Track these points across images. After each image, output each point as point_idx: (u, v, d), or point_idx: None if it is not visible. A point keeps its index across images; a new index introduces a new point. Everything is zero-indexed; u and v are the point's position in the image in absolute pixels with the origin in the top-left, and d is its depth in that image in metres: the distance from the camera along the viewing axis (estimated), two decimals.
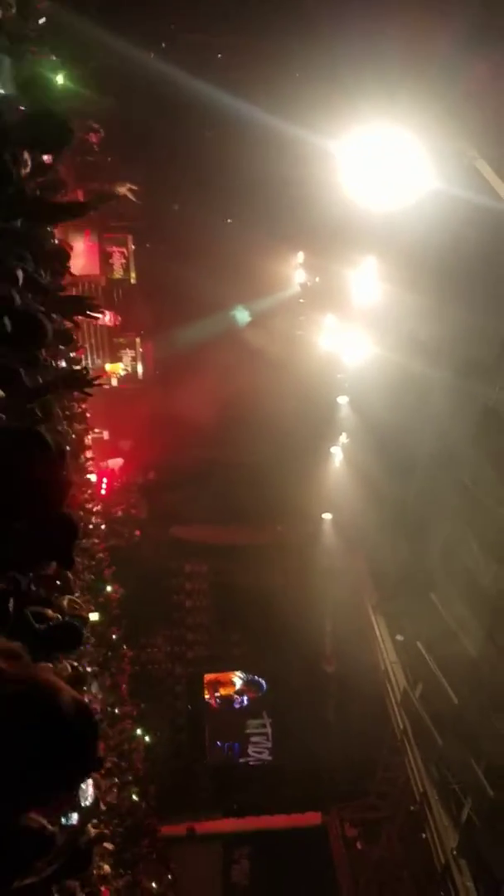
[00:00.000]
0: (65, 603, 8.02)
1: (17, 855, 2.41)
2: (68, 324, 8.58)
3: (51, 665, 5.79)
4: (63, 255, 7.73)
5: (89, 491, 20.11)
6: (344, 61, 14.39)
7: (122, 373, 25.81)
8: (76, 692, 1.87)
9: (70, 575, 7.95)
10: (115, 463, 26.58)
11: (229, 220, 23.05)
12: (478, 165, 14.95)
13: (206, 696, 29.36)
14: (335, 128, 15.23)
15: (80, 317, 8.26)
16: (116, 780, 16.76)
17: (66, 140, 5.35)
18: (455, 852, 17.80)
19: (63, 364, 9.45)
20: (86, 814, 7.05)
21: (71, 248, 9.09)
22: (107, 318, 23.69)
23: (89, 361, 23.80)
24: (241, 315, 24.87)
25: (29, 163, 4.50)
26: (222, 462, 24.78)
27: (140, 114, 21.19)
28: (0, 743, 1.70)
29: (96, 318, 13.74)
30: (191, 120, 20.58)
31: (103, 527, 22.06)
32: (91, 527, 19.08)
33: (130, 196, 22.81)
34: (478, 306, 15.79)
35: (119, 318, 24.18)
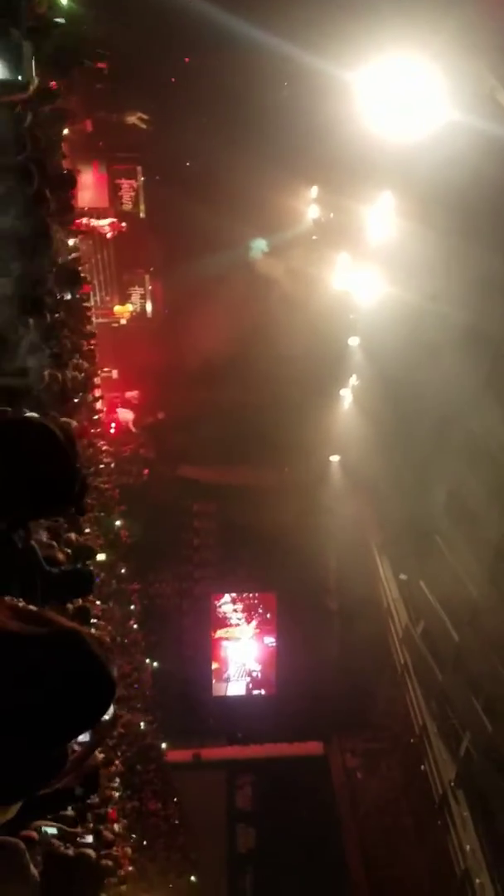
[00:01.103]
0: (73, 538, 8.15)
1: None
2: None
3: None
4: (70, 180, 7.60)
5: (98, 429, 20.20)
6: None
7: (131, 311, 25.57)
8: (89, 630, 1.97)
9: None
10: (125, 413, 26.56)
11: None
12: (498, 96, 14.44)
13: (213, 630, 29.98)
14: (351, 56, 14.67)
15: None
16: (125, 707, 17.26)
17: (76, 62, 5.19)
18: (453, 784, 18.39)
19: (68, 297, 9.36)
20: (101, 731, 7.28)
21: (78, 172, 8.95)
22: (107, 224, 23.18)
23: (98, 298, 23.56)
24: (258, 246, 24.30)
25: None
26: (230, 402, 24.69)
27: (150, 42, 20.48)
28: (40, 683, 1.79)
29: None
30: (203, 49, 19.89)
31: (113, 465, 22.21)
32: (101, 466, 19.23)
33: (141, 125, 22.21)
34: (495, 246, 15.45)
35: (124, 225, 23.63)
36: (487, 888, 16.28)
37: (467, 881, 16.87)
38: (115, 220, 23.48)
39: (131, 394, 26.22)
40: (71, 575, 5.44)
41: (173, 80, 21.82)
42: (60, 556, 5.77)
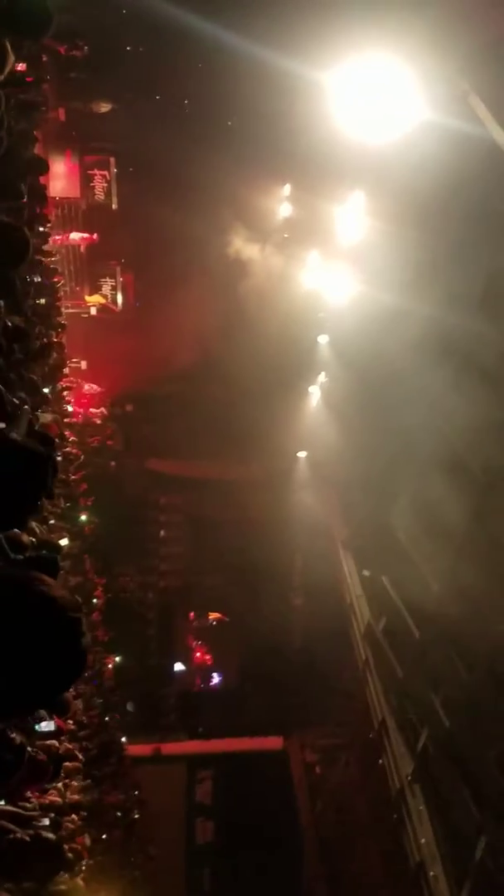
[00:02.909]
0: (37, 530, 8.13)
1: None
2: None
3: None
4: (41, 165, 7.55)
5: (65, 420, 20.05)
6: None
7: (102, 301, 25.43)
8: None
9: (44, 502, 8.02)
10: (93, 393, 26.37)
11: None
12: (470, 101, 14.63)
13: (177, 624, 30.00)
14: (324, 57, 14.75)
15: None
16: (85, 699, 17.19)
17: (45, 26, 4.99)
18: (409, 778, 18.61)
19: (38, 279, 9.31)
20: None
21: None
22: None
23: (68, 288, 23.40)
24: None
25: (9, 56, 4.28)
26: (199, 396, 24.72)
27: (127, 36, 20.41)
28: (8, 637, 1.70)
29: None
30: (178, 46, 19.84)
31: (82, 458, 22.07)
32: (69, 457, 19.10)
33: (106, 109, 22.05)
34: (465, 242, 15.66)
35: (96, 236, 23.57)
36: (441, 880, 16.54)
37: (421, 873, 17.12)
38: (86, 234, 23.43)
39: (90, 387, 25.94)
40: (35, 561, 5.44)
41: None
42: (25, 539, 5.76)
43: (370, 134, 15.14)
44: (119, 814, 20.00)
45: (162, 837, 25.05)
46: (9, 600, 1.73)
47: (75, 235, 23.03)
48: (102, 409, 26.83)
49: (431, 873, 16.89)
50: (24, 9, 4.54)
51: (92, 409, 26.41)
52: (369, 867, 22.54)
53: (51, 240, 17.19)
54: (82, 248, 23.62)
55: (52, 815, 8.30)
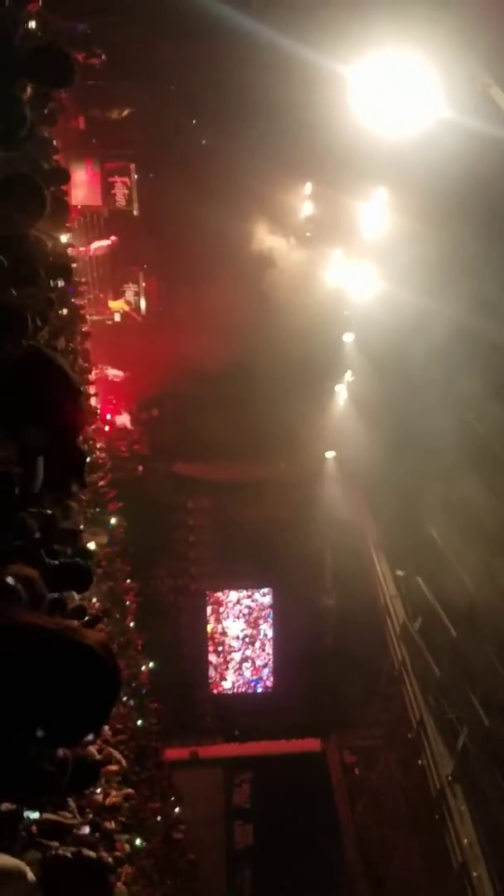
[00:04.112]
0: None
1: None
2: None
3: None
4: (63, 176, 7.56)
5: (93, 426, 20.13)
6: None
7: (126, 308, 25.49)
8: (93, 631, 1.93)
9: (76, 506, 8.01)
10: (121, 419, 26.45)
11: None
12: (491, 93, 14.47)
13: (210, 628, 29.95)
14: (346, 52, 14.69)
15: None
16: (122, 705, 17.22)
17: (67, 79, 5.18)
18: (450, 778, 18.42)
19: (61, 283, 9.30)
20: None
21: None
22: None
23: (91, 296, 23.50)
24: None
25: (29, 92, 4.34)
26: (225, 398, 24.67)
27: (144, 36, 20.42)
28: (39, 682, 1.77)
29: None
30: (197, 44, 19.83)
31: (109, 463, 22.14)
32: (96, 461, 19.16)
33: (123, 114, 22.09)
34: (489, 241, 15.48)
35: (115, 238, 23.57)
36: (485, 881, 16.31)
37: (465, 874, 16.90)
38: (109, 241, 23.43)
39: (115, 373, 25.74)
40: (70, 567, 5.42)
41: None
42: (59, 546, 5.74)
43: (392, 129, 15.03)
44: (159, 818, 20.01)
45: (201, 842, 25.07)
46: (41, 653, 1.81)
47: (96, 245, 23.04)
48: (128, 413, 26.90)
49: (475, 874, 16.67)
50: (45, 59, 4.59)
51: (118, 415, 26.47)
52: (411, 868, 22.32)
53: (73, 249, 17.24)
54: (107, 249, 23.55)
55: (91, 816, 8.30)
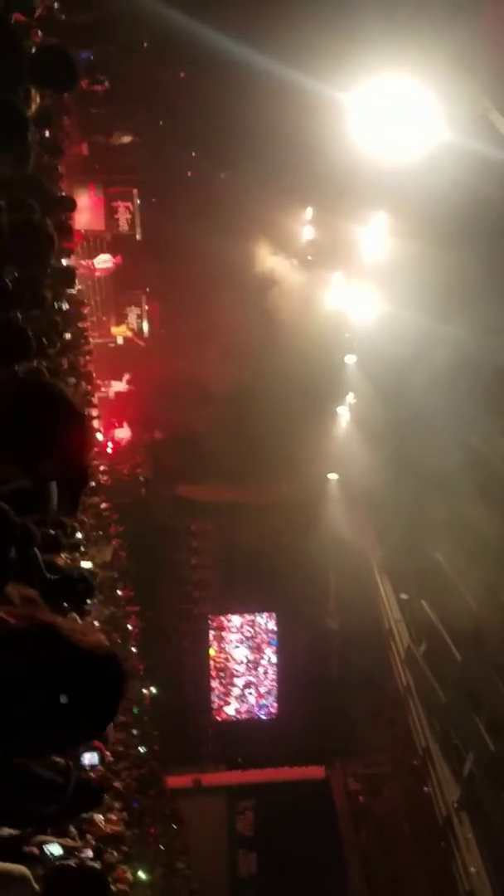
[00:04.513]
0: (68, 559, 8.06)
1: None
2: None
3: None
4: (69, 204, 7.62)
5: (95, 449, 20.14)
6: (352, 7, 13.99)
7: (128, 334, 25.58)
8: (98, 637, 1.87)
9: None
10: (122, 433, 26.37)
11: (223, 176, 22.62)
12: (491, 118, 14.61)
13: (213, 653, 29.70)
14: (344, 78, 14.84)
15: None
16: (124, 732, 17.05)
17: (71, 83, 5.20)
18: (456, 805, 18.15)
19: (65, 306, 9.35)
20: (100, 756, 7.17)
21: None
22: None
23: (94, 319, 23.59)
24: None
25: (37, 100, 4.36)
26: (227, 421, 24.66)
27: (146, 65, 20.70)
28: (33, 687, 1.72)
29: None
30: (197, 71, 20.11)
31: (111, 484, 22.14)
32: (99, 484, 19.16)
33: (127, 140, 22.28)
34: (490, 264, 15.54)
35: (120, 258, 23.64)
36: None
37: None
38: (110, 257, 23.49)
39: (117, 387, 25.59)
40: (69, 581, 5.37)
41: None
42: (59, 561, 5.70)
43: (392, 154, 15.15)
44: (161, 847, 19.74)
45: (205, 871, 24.68)
46: (38, 653, 1.77)
47: (100, 260, 23.03)
48: (130, 435, 26.87)
49: None
50: (50, 62, 4.62)
51: (120, 437, 26.44)
52: None
53: (76, 263, 17.28)
54: (112, 267, 23.63)
55: (94, 843, 8.16)
